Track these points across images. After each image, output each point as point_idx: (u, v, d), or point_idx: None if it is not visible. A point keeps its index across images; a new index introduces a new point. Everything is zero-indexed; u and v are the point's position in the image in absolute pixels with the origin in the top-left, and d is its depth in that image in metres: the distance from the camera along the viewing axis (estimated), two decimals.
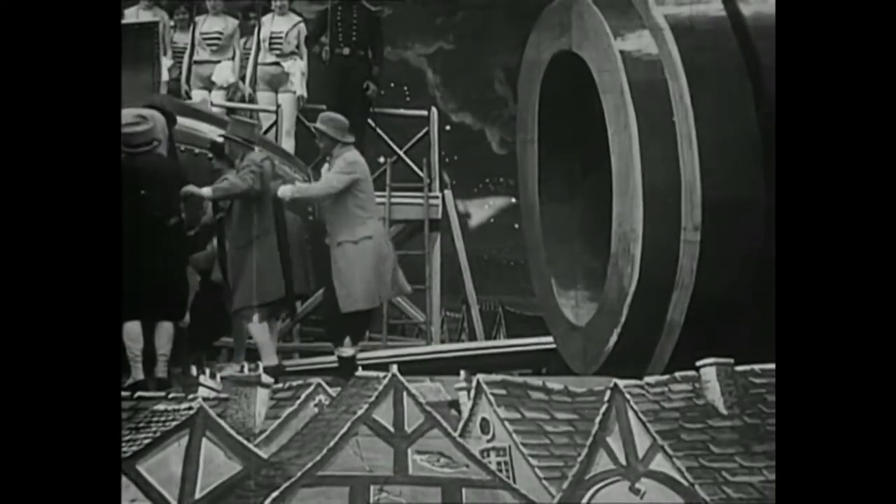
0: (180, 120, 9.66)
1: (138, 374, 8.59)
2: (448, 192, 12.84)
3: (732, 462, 7.21)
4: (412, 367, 8.98)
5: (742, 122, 8.64)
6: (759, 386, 7.45)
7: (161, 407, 7.17)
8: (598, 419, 7.21)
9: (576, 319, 9.52)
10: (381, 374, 7.27)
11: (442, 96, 16.42)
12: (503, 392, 7.30)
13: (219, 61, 12.40)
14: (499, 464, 7.11)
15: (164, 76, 11.49)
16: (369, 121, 12.63)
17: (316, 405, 7.47)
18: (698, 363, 7.54)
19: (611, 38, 8.91)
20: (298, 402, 7.47)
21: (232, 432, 7.05)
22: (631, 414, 7.24)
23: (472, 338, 12.73)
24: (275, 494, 6.83)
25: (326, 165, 9.47)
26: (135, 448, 6.91)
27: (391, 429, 7.04)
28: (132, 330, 8.58)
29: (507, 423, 7.18)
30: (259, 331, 9.09)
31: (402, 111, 13.51)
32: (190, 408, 7.09)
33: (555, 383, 7.50)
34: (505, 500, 6.95)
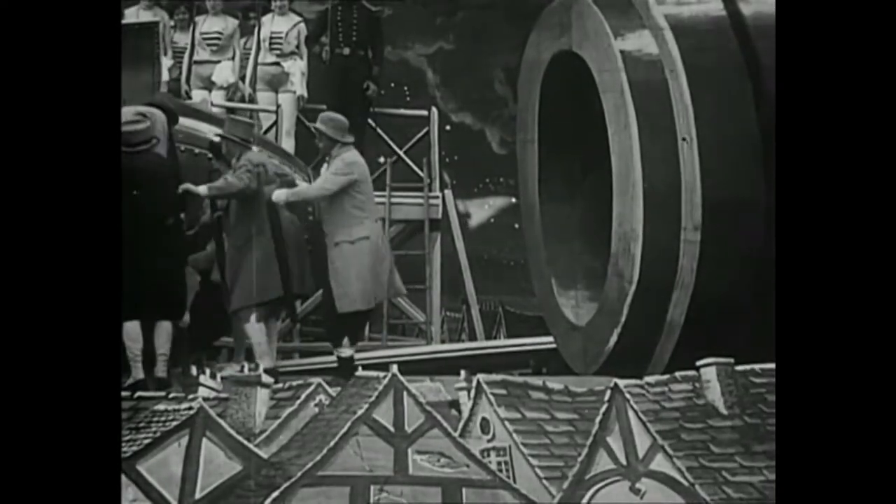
0: (182, 120, 9.67)
1: (138, 373, 8.59)
2: (448, 192, 12.84)
3: (733, 462, 7.21)
4: (412, 367, 8.98)
5: (742, 122, 8.64)
6: (759, 386, 7.45)
7: (161, 407, 7.17)
8: (598, 419, 7.22)
9: (576, 319, 9.52)
10: (381, 374, 7.27)
11: (442, 96, 16.42)
12: (503, 392, 7.30)
13: (219, 61, 12.39)
14: (499, 464, 7.10)
15: (165, 76, 11.50)
16: (369, 121, 12.63)
17: (316, 405, 7.47)
18: (698, 363, 7.54)
19: (611, 38, 8.90)
20: (298, 402, 7.46)
21: (232, 432, 7.05)
22: (631, 414, 7.24)
23: (472, 338, 12.73)
24: (275, 494, 6.83)
25: (325, 165, 9.47)
26: (135, 448, 6.91)
27: (391, 429, 7.04)
28: (132, 330, 8.58)
29: (507, 422, 7.18)
30: (255, 331, 9.08)
31: (402, 111, 13.51)
32: (190, 408, 7.09)
33: (555, 383, 7.50)
34: (505, 500, 6.95)
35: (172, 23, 12.48)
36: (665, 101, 8.68)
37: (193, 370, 8.70)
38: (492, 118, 16.50)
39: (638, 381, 7.46)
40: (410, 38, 16.46)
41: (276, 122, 12.20)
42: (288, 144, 11.96)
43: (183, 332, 9.13)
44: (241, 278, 9.03)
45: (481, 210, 16.24)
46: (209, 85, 12.31)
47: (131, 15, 11.85)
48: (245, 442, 7.05)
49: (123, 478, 6.75)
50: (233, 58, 12.44)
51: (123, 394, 7.06)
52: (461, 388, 7.44)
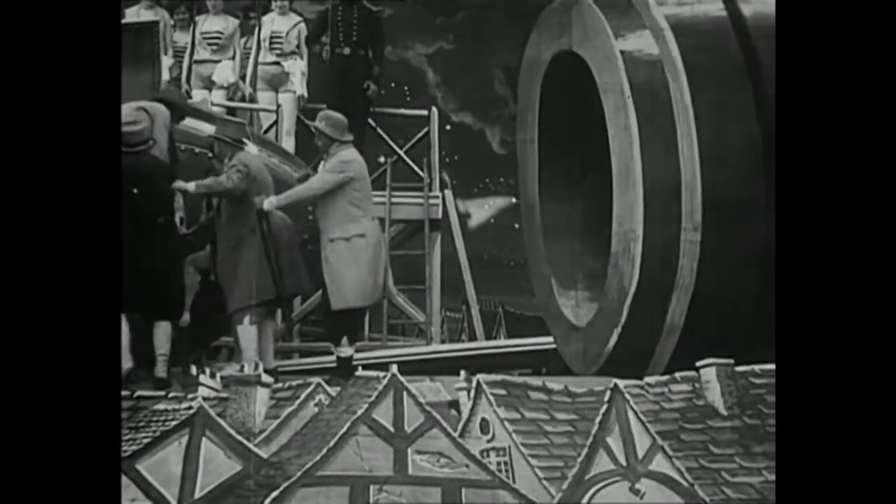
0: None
1: (127, 362, 8.53)
2: (448, 192, 12.83)
3: (732, 463, 7.21)
4: (412, 367, 8.98)
5: (742, 122, 8.64)
6: (758, 386, 7.45)
7: (161, 406, 7.18)
8: (598, 419, 7.22)
9: (576, 319, 9.52)
10: (381, 374, 7.27)
11: (442, 96, 16.42)
12: (503, 392, 7.31)
13: (219, 61, 12.39)
14: (499, 464, 7.10)
15: (165, 75, 11.48)
16: (370, 121, 12.62)
17: (316, 405, 7.47)
18: (698, 364, 7.55)
19: (611, 38, 8.90)
20: (298, 401, 7.46)
21: (232, 432, 7.05)
22: (631, 414, 7.25)
23: (472, 338, 12.72)
24: (275, 494, 6.84)
25: (322, 163, 9.47)
26: (134, 447, 6.92)
27: (391, 429, 7.04)
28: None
29: (507, 423, 7.18)
30: (245, 334, 9.04)
31: (402, 111, 13.50)
32: (190, 407, 7.10)
33: (555, 383, 7.50)
34: (505, 500, 6.95)
35: (173, 22, 12.47)
36: (665, 102, 8.68)
37: (193, 370, 8.70)
38: (492, 118, 16.49)
39: (638, 382, 7.46)
40: (411, 38, 16.45)
41: (276, 122, 12.19)
42: (288, 144, 11.96)
43: (183, 331, 9.13)
44: (233, 280, 9.01)
45: (481, 210, 16.23)
46: (209, 84, 12.31)
47: (132, 14, 11.85)
48: (245, 441, 7.06)
49: (123, 477, 6.75)
50: (233, 57, 12.44)
51: (123, 393, 7.06)
52: (461, 389, 7.44)
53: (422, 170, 12.71)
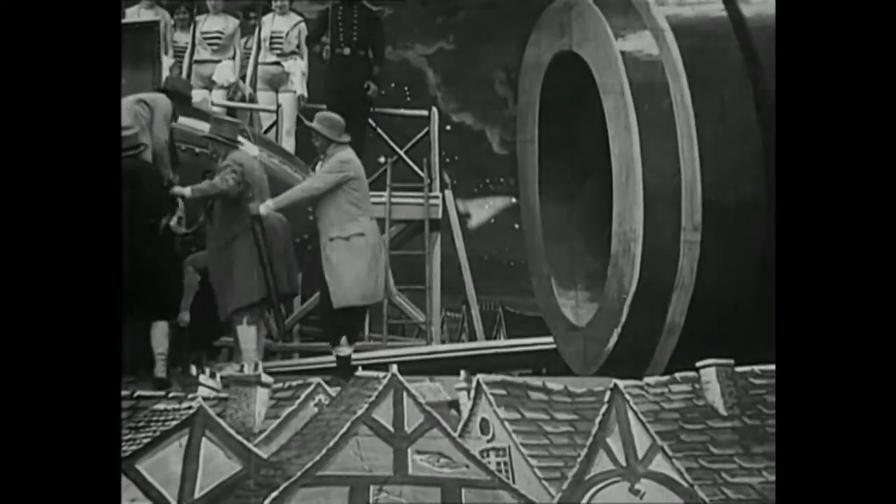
0: (182, 119, 9.67)
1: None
2: (448, 192, 12.84)
3: (732, 463, 7.21)
4: (412, 367, 8.98)
5: (742, 122, 8.64)
6: (758, 387, 7.46)
7: (161, 406, 7.18)
8: (597, 419, 7.22)
9: (576, 320, 9.52)
10: (381, 374, 7.28)
11: (442, 96, 16.43)
12: (503, 392, 7.31)
13: (219, 61, 12.39)
14: (498, 464, 7.11)
15: (165, 75, 11.48)
16: (370, 121, 12.63)
17: (316, 405, 7.47)
18: (698, 364, 7.55)
19: (611, 39, 8.90)
20: (298, 401, 7.46)
21: (232, 432, 7.05)
22: (631, 414, 7.25)
23: (472, 338, 12.73)
24: (275, 494, 6.84)
25: (320, 164, 9.48)
26: (135, 447, 6.92)
27: (391, 429, 7.05)
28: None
29: (506, 423, 7.18)
30: (244, 334, 9.05)
31: (402, 111, 13.51)
32: (190, 407, 7.10)
33: (555, 384, 7.51)
34: (505, 500, 6.95)
35: (173, 22, 12.47)
36: (665, 102, 8.68)
37: (193, 370, 8.70)
38: (492, 118, 16.50)
39: (638, 382, 7.47)
40: (411, 38, 16.46)
41: (276, 122, 12.19)
42: (288, 144, 11.95)
43: (183, 331, 9.13)
44: (229, 280, 9.01)
45: (481, 210, 16.24)
46: (210, 84, 12.31)
47: (132, 14, 11.85)
48: (245, 442, 7.06)
49: (123, 477, 6.75)
50: (233, 57, 12.44)
51: (123, 393, 7.06)
52: (461, 389, 7.44)
53: (422, 170, 12.71)
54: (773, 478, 6.91)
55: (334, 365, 9.28)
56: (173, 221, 8.92)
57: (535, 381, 7.54)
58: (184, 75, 12.26)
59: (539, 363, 10.98)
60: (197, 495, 6.87)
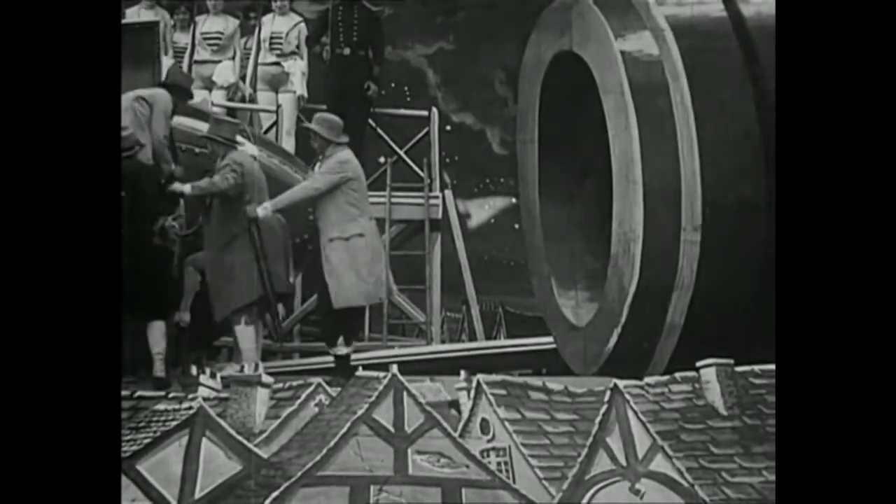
0: (181, 119, 9.67)
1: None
2: (448, 192, 12.82)
3: (732, 463, 7.21)
4: (412, 367, 8.98)
5: (742, 122, 8.64)
6: (758, 387, 7.46)
7: (161, 407, 7.18)
8: (598, 419, 7.22)
9: (576, 320, 9.52)
10: (381, 374, 7.28)
11: (442, 96, 16.40)
12: (503, 392, 7.31)
13: (219, 61, 12.38)
14: (499, 464, 7.11)
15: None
16: (370, 121, 12.61)
17: (316, 405, 7.47)
18: (698, 364, 7.55)
19: (611, 39, 8.90)
20: (298, 402, 7.46)
21: (232, 432, 7.05)
22: (631, 414, 7.25)
23: (472, 338, 12.71)
24: (275, 494, 6.84)
25: (318, 165, 9.48)
26: (135, 448, 6.92)
27: (391, 429, 7.05)
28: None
29: (507, 423, 7.18)
30: (244, 334, 9.05)
31: (402, 111, 13.48)
32: (190, 407, 7.10)
33: (555, 384, 7.51)
34: (505, 500, 6.95)
35: (173, 22, 12.46)
36: (665, 102, 8.69)
37: (193, 370, 8.70)
38: (492, 118, 16.47)
39: (638, 382, 7.47)
40: (411, 38, 16.43)
41: (276, 122, 12.19)
42: (288, 144, 11.94)
43: (183, 331, 9.12)
44: (228, 280, 9.01)
45: (481, 210, 16.21)
46: (210, 85, 12.30)
47: (132, 14, 11.83)
48: (245, 442, 7.06)
49: (123, 477, 6.75)
50: (233, 58, 12.43)
51: (123, 393, 7.06)
52: (461, 389, 7.44)
53: (422, 170, 12.70)
54: (773, 477, 6.91)
55: (331, 365, 9.29)
56: (168, 222, 8.93)
57: (536, 381, 7.54)
58: None
59: (539, 363, 10.97)
60: (197, 495, 6.87)
